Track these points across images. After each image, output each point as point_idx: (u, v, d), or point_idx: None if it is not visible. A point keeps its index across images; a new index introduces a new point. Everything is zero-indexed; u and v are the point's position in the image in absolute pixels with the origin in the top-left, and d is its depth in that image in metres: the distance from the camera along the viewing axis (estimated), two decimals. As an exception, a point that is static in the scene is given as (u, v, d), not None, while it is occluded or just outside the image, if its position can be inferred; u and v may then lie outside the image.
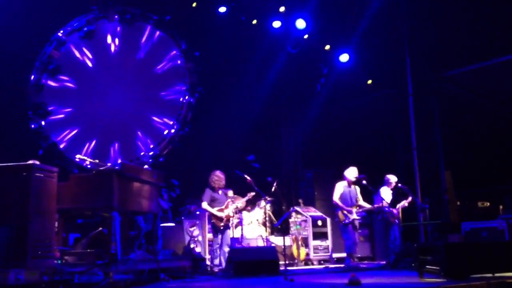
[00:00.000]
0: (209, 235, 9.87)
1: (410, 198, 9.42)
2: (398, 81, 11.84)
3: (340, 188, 9.24)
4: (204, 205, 8.74)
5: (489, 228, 7.92)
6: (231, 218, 8.89)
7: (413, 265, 7.42)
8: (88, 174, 6.95)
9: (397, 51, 11.69)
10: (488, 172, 10.47)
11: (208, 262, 9.17)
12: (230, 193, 9.60)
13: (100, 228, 7.07)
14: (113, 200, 6.45)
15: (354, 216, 9.01)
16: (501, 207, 9.52)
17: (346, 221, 9.00)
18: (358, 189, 9.34)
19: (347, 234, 9.09)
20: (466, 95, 11.42)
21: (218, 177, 8.84)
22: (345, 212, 9.01)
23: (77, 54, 11.93)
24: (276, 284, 6.23)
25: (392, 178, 9.61)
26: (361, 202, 9.27)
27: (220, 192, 8.90)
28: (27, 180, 5.54)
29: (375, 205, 9.27)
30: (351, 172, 9.27)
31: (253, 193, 9.17)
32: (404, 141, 11.62)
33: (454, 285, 5.31)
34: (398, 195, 9.50)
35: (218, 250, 8.66)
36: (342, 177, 9.37)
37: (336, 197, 9.16)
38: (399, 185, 9.51)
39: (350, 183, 9.25)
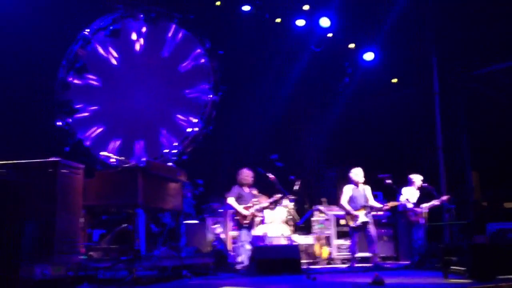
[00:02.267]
0: (232, 233, 9.90)
1: (444, 197, 9.30)
2: (424, 80, 11.71)
3: (348, 191, 9.17)
4: (231, 200, 8.76)
5: (516, 229, 7.79)
6: (255, 217, 8.89)
7: (437, 265, 7.32)
8: (113, 171, 7.03)
9: (423, 49, 11.55)
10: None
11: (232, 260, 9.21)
12: (255, 191, 9.61)
13: (125, 225, 7.14)
14: (137, 197, 6.53)
15: (362, 219, 8.93)
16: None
17: (354, 224, 8.96)
18: (368, 189, 9.25)
19: (351, 237, 9.14)
20: (492, 94, 11.22)
21: (247, 174, 8.87)
22: (352, 215, 8.95)
23: (103, 53, 12.07)
24: (298, 283, 6.22)
25: (416, 178, 9.49)
26: (372, 202, 9.17)
27: (247, 189, 8.91)
28: (53, 176, 5.62)
29: (385, 205, 9.16)
30: (357, 173, 9.22)
31: (279, 195, 9.16)
32: (430, 141, 11.47)
33: (480, 286, 5.23)
34: (423, 195, 9.39)
35: (241, 248, 8.67)
36: (366, 177, 9.27)
37: (344, 201, 9.11)
38: (424, 184, 9.40)
39: (357, 185, 9.19)
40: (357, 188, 9.20)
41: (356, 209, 9.03)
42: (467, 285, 5.42)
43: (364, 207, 9.03)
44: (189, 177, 9.86)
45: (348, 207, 9.05)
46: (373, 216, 9.28)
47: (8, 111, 9.70)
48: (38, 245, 5.36)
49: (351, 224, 9.04)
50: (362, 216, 8.96)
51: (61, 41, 11.18)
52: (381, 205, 9.23)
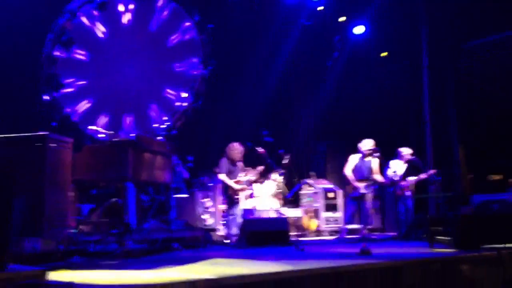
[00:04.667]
0: (221, 207, 9.98)
1: (431, 171, 9.34)
2: (413, 54, 11.71)
3: (353, 160, 9.08)
4: (222, 176, 8.79)
5: (500, 201, 7.92)
6: (246, 191, 8.96)
7: (423, 236, 7.47)
8: (102, 145, 7.04)
9: (413, 23, 11.53)
10: (501, 146, 10.38)
11: (222, 233, 9.30)
12: (241, 165, 9.66)
13: (115, 199, 7.16)
14: (127, 170, 6.53)
15: (363, 190, 8.92)
16: (511, 180, 9.49)
17: (354, 194, 8.97)
18: (375, 161, 9.11)
19: (348, 206, 9.18)
20: (481, 68, 11.26)
21: (237, 149, 8.85)
22: (353, 185, 8.99)
23: (91, 26, 11.92)
24: (287, 253, 6.32)
25: (406, 151, 9.54)
26: (376, 175, 9.10)
27: (236, 164, 8.94)
28: (42, 150, 5.58)
29: (392, 180, 9.18)
30: (366, 144, 9.12)
31: (261, 167, 9.20)
32: (418, 114, 11.54)
33: (465, 255, 5.35)
34: (410, 168, 9.47)
35: (233, 221, 8.72)
36: (355, 150, 9.32)
37: (347, 170, 9.05)
38: (412, 157, 9.46)
39: (364, 156, 9.14)
40: (363, 159, 9.08)
41: (359, 179, 9.00)
42: (452, 253, 5.54)
43: (367, 179, 9.01)
44: (179, 152, 9.88)
45: (350, 176, 9.00)
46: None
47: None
48: (27, 219, 5.37)
49: (351, 193, 9.02)
50: (362, 188, 8.93)
51: (47, 14, 11.01)
52: (384, 181, 9.16)
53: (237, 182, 8.78)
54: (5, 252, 3.82)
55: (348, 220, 9.27)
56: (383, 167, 9.41)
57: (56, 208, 5.71)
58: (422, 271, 4.83)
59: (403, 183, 9.26)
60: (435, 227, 6.36)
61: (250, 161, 9.67)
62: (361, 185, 8.93)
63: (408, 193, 9.22)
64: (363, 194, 8.93)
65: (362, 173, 9.01)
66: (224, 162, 8.86)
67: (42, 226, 5.48)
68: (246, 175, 9.04)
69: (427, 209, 10.53)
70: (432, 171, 9.42)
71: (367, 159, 9.10)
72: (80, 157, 6.60)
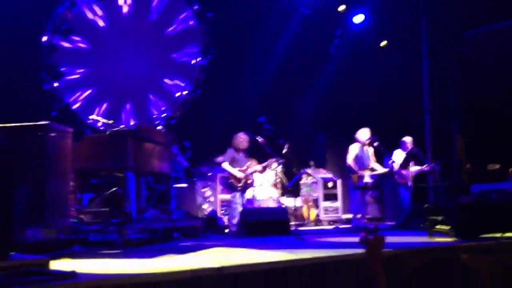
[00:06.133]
0: (221, 196, 10.00)
1: (432, 164, 9.31)
2: (413, 43, 11.67)
3: (354, 150, 9.05)
4: (225, 165, 8.80)
5: (499, 190, 7.93)
6: (248, 180, 8.96)
7: (422, 225, 7.48)
8: (102, 135, 7.01)
9: (412, 11, 11.47)
10: (501, 135, 10.38)
11: (220, 222, 9.33)
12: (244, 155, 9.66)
13: (115, 188, 7.18)
14: (127, 160, 6.55)
15: (367, 179, 8.95)
16: (510, 169, 9.51)
17: (360, 184, 8.95)
18: (371, 150, 9.19)
19: (355, 196, 9.11)
20: (482, 56, 11.22)
21: (242, 138, 8.87)
22: (358, 175, 8.96)
23: (89, 15, 11.87)
24: (287, 242, 6.35)
25: (408, 140, 9.56)
26: (374, 164, 9.16)
27: (240, 154, 8.94)
28: (42, 139, 5.59)
29: (389, 169, 9.19)
30: (364, 134, 9.13)
31: (273, 159, 9.20)
32: (419, 104, 11.53)
33: (465, 244, 5.38)
34: (410, 157, 9.48)
35: (235, 210, 8.74)
36: (354, 140, 9.32)
37: (350, 160, 9.00)
38: (412, 147, 9.48)
39: (363, 145, 9.15)
40: (362, 148, 9.09)
41: (361, 168, 8.98)
42: (452, 243, 5.56)
43: (369, 168, 8.99)
44: (178, 141, 9.88)
45: (354, 166, 8.96)
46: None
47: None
48: (28, 208, 5.38)
49: (357, 183, 8.92)
50: (367, 177, 8.93)
51: (46, 3, 10.96)
52: (384, 169, 9.13)
53: (241, 171, 8.78)
54: (8, 241, 3.84)
55: (357, 210, 9.15)
56: (384, 156, 9.42)
57: (57, 197, 5.73)
58: (422, 259, 4.85)
59: (404, 172, 9.27)
60: (434, 217, 6.38)
61: (250, 150, 9.67)
62: (366, 174, 8.93)
63: (409, 183, 9.25)
64: (367, 183, 8.95)
65: (363, 162, 9.01)
66: (229, 151, 8.87)
67: (43, 215, 5.50)
68: (251, 165, 9.02)
69: (426, 198, 10.56)
70: (433, 164, 9.39)
71: (365, 148, 9.11)
72: (80, 146, 6.61)
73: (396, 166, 9.26)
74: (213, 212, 9.65)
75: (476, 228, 5.86)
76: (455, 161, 10.66)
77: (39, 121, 5.70)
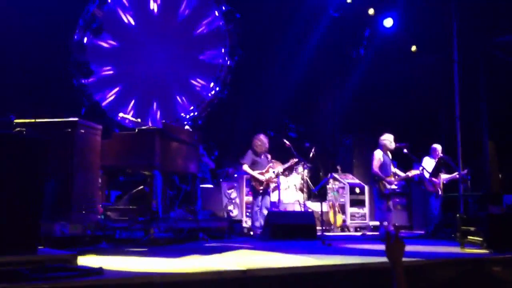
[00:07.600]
0: (247, 198, 9.94)
1: (464, 172, 9.06)
2: (444, 47, 11.45)
3: (379, 157, 8.67)
4: (245, 167, 8.72)
5: (534, 200, 7.71)
6: (270, 183, 8.86)
7: (452, 235, 7.30)
8: (130, 133, 7.03)
9: (443, 16, 11.26)
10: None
11: (245, 225, 9.27)
12: (269, 157, 9.59)
13: (142, 186, 7.18)
14: (155, 158, 6.54)
15: (393, 186, 8.71)
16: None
17: (387, 191, 8.60)
18: (390, 155, 8.91)
19: (381, 204, 8.84)
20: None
21: (262, 141, 8.75)
22: (385, 182, 8.69)
23: (120, 14, 11.95)
24: (314, 247, 6.25)
25: (439, 148, 9.38)
26: (395, 169, 8.85)
27: (262, 156, 8.85)
28: (71, 136, 5.64)
29: (409, 174, 8.89)
30: (391, 140, 8.78)
31: (295, 160, 9.05)
32: (448, 110, 11.29)
33: (498, 256, 5.21)
34: (440, 165, 9.28)
35: (258, 213, 8.65)
36: (378, 145, 9.03)
37: (376, 167, 8.60)
38: (442, 155, 9.29)
39: (386, 151, 8.82)
40: (386, 155, 8.77)
41: (387, 175, 8.65)
42: (485, 255, 5.40)
43: (394, 174, 8.73)
44: (205, 142, 9.86)
45: (381, 174, 8.55)
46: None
47: (25, 71, 9.68)
48: (57, 203, 5.41)
49: (384, 190, 8.52)
50: (393, 184, 8.70)
51: (78, 1, 11.07)
52: (404, 174, 8.87)
53: (261, 174, 8.68)
54: (36, 235, 3.83)
55: (384, 217, 8.68)
56: (414, 163, 9.22)
57: (84, 193, 5.76)
58: (454, 271, 4.71)
59: (435, 180, 9.07)
60: (466, 227, 6.21)
61: (276, 153, 9.60)
62: (393, 181, 8.74)
63: (439, 191, 9.06)
64: (394, 190, 8.76)
65: (387, 169, 8.71)
66: (249, 153, 8.80)
67: (70, 211, 5.53)
68: (274, 167, 8.91)
69: (456, 208, 10.32)
70: (464, 172, 9.15)
71: (388, 154, 8.82)
72: (109, 143, 6.63)
73: (426, 174, 9.06)
74: (238, 214, 9.59)
75: (510, 240, 5.68)
76: (486, 169, 10.39)
77: (69, 117, 5.74)
